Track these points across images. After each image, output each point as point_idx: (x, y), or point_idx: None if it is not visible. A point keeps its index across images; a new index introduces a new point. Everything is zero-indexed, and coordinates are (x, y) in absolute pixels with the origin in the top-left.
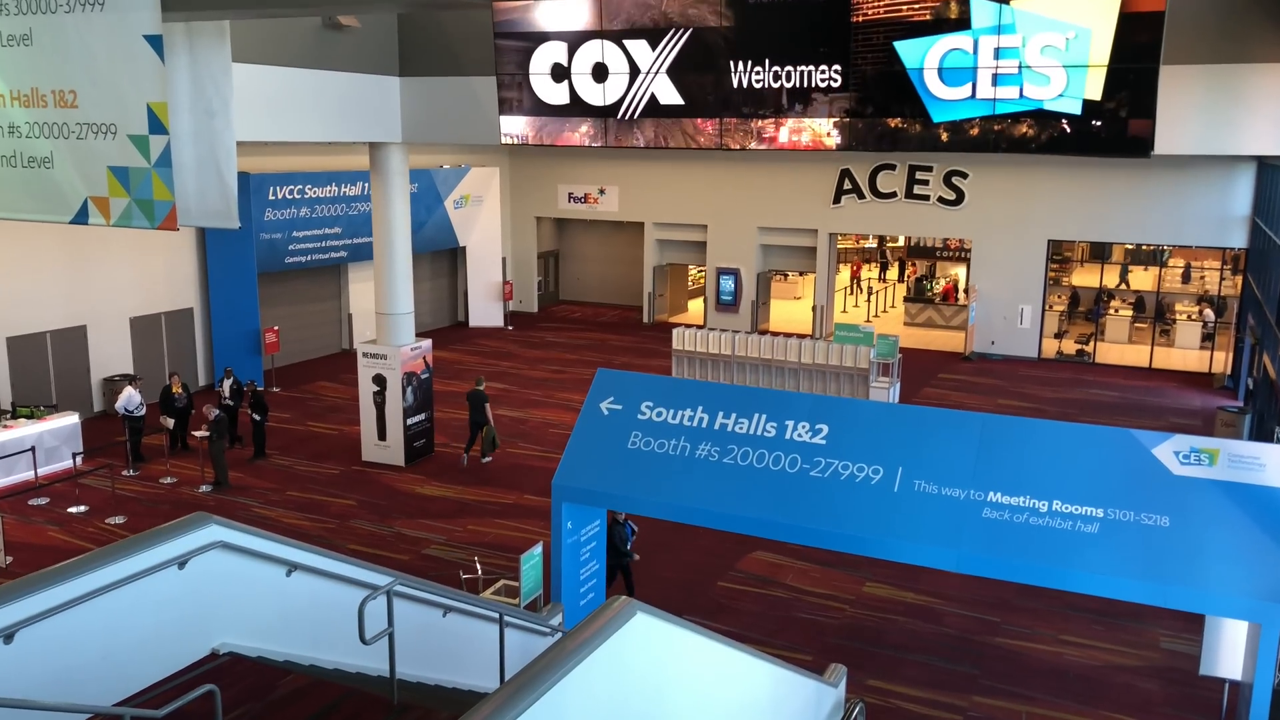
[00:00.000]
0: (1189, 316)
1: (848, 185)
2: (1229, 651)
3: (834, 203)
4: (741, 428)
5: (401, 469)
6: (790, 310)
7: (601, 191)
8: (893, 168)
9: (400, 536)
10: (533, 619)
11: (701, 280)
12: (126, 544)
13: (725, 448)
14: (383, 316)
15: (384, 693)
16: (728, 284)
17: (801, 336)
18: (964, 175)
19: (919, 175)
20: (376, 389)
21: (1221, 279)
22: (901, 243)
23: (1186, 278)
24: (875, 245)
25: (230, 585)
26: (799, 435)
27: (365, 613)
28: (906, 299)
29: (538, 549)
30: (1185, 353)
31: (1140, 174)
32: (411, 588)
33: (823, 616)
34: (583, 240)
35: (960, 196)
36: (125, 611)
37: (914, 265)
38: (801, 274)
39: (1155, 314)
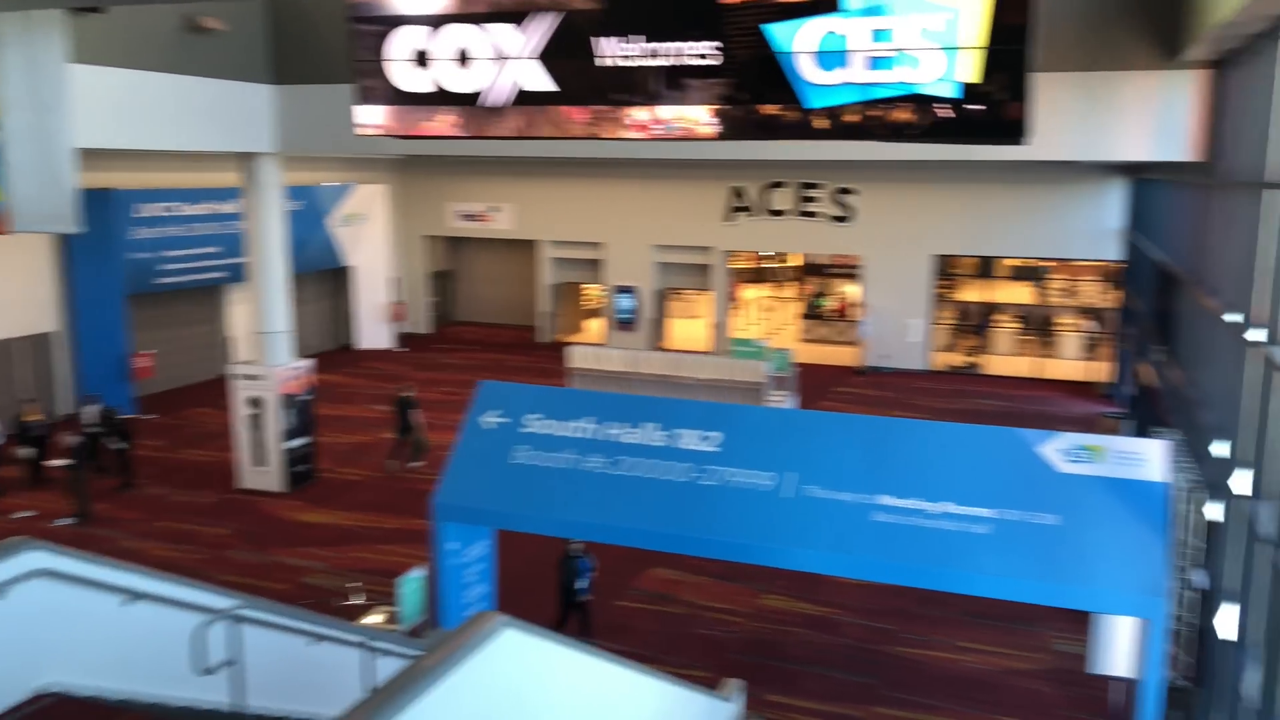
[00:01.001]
0: (1072, 329)
1: (740, 202)
2: (1116, 648)
3: (727, 220)
4: (632, 437)
5: (281, 495)
6: (690, 328)
7: (495, 210)
8: (783, 185)
9: (279, 565)
10: (406, 644)
11: (597, 300)
12: None
13: (615, 459)
14: (259, 336)
15: None
16: (626, 302)
17: (700, 353)
18: (852, 192)
19: (809, 192)
20: (253, 411)
21: (1102, 292)
22: (791, 261)
23: (1069, 292)
24: (756, 266)
25: (58, 617)
26: (691, 443)
27: (205, 640)
28: (802, 316)
29: (417, 571)
30: (1069, 363)
31: (1022, 189)
32: (262, 612)
33: (721, 631)
34: (478, 259)
35: (850, 213)
36: None
37: (807, 283)
38: (700, 292)
39: (1039, 327)
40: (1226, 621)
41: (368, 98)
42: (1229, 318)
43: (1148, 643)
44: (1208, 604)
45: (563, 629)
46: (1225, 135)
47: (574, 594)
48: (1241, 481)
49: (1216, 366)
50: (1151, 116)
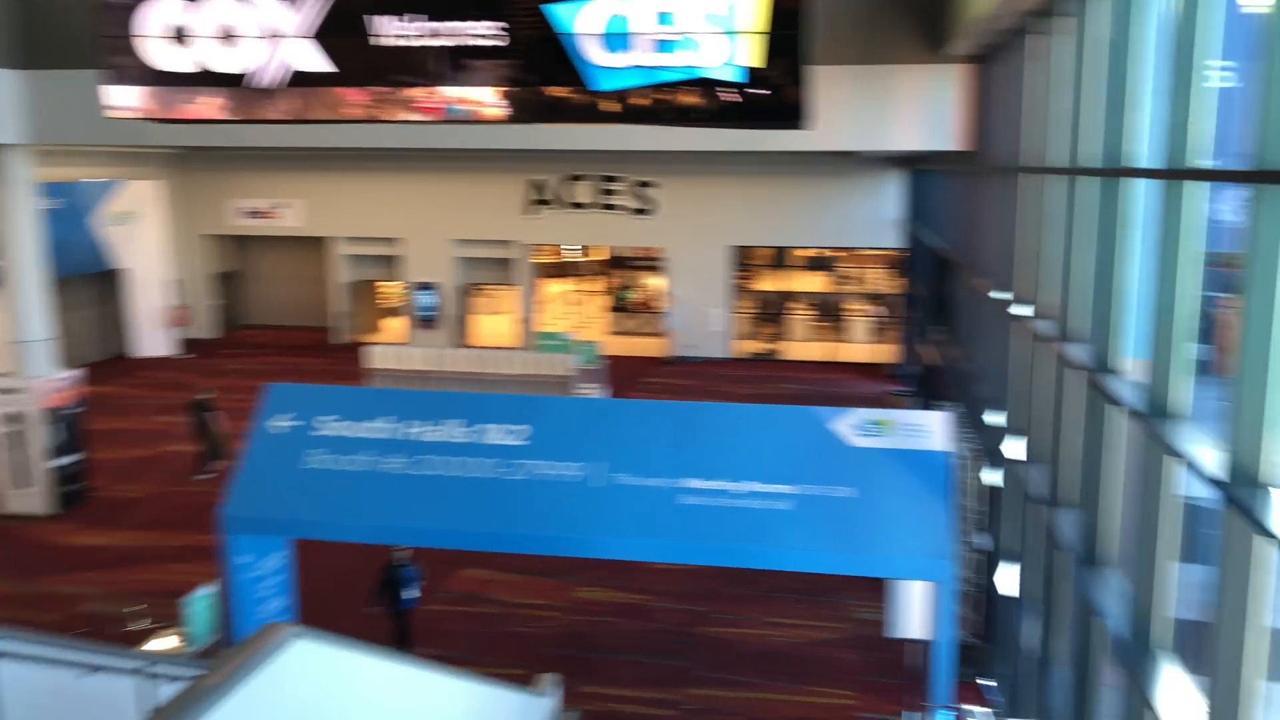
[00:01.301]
0: (860, 315)
1: (541, 195)
2: (911, 612)
3: (527, 213)
4: (434, 435)
5: (50, 518)
6: (495, 324)
7: (282, 206)
8: (583, 178)
9: (48, 595)
10: (191, 666)
11: (397, 298)
12: None
13: (417, 458)
14: (16, 345)
15: None
16: (426, 300)
17: (506, 349)
18: (652, 185)
19: (609, 185)
20: (11, 428)
21: (887, 279)
22: (595, 255)
23: (857, 280)
24: (560, 260)
25: None
26: (497, 438)
27: None
28: (609, 309)
29: (206, 588)
30: (859, 347)
31: (810, 182)
32: (19, 644)
33: (535, 628)
34: (266, 259)
35: (650, 206)
36: None
37: (613, 276)
38: (504, 287)
39: (831, 314)
40: (1007, 579)
41: (120, 78)
42: (997, 295)
43: (938, 605)
44: (990, 564)
45: (406, 645)
46: (987, 125)
47: (401, 604)
48: (1015, 448)
49: (989, 342)
50: (922, 108)
